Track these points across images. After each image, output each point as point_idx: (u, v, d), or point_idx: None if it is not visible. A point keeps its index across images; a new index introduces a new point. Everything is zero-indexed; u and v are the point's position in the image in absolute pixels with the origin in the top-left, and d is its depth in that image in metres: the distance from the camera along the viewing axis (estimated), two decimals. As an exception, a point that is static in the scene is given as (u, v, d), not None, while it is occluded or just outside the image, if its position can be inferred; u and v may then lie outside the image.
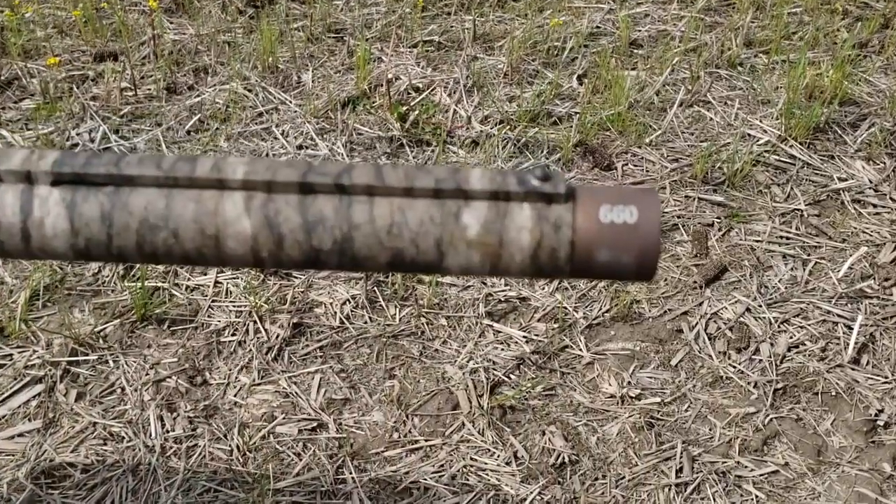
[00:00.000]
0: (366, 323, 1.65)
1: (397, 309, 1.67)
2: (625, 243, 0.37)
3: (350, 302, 1.68)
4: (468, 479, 1.39)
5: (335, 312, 1.66)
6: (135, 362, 1.56)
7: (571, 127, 2.03)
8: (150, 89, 2.16)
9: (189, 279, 1.72)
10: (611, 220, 0.37)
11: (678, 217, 1.86)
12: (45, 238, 0.38)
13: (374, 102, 2.10)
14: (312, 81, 2.18)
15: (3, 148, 0.39)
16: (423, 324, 1.64)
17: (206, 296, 1.69)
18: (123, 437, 1.43)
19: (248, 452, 1.42)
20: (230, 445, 1.43)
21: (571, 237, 0.37)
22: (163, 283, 1.70)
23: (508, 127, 2.03)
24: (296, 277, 1.73)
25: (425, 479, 1.39)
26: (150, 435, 1.44)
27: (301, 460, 1.41)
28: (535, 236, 0.38)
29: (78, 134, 2.05)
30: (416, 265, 0.38)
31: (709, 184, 1.94)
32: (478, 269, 0.38)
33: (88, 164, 0.38)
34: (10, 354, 1.57)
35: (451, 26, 2.38)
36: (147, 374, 1.54)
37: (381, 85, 2.10)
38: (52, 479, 1.38)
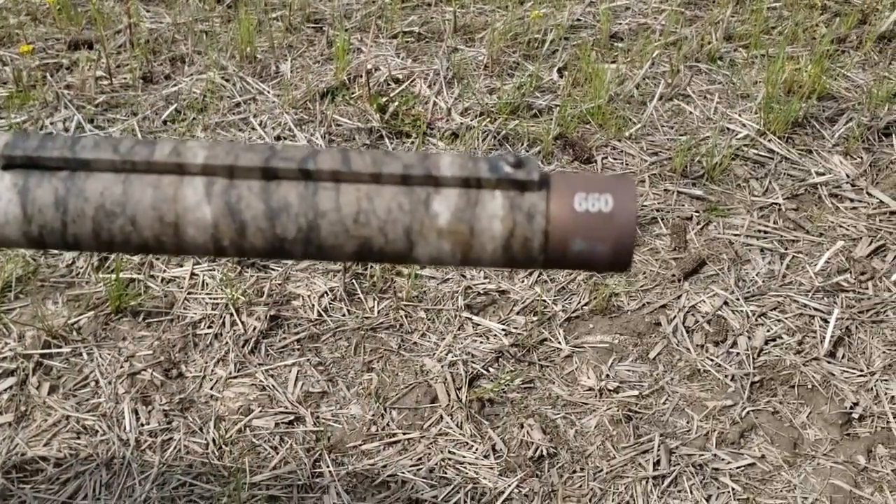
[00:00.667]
0: (344, 316, 1.64)
1: (376, 301, 1.66)
2: (600, 233, 0.36)
3: (328, 294, 1.67)
4: (446, 473, 1.39)
5: (313, 305, 1.65)
6: (109, 355, 1.54)
7: (552, 120, 2.02)
8: (125, 78, 2.12)
9: (165, 271, 1.70)
10: (585, 209, 0.36)
11: (657, 210, 1.87)
12: None
13: (353, 93, 2.08)
14: (291, 72, 2.16)
15: None
16: (401, 316, 1.63)
17: (182, 288, 1.67)
18: (97, 431, 1.42)
19: (224, 446, 1.40)
20: (206, 439, 1.41)
21: (545, 227, 0.37)
22: (138, 274, 1.68)
23: (489, 119, 2.02)
24: (273, 269, 1.72)
25: (403, 473, 1.38)
26: (125, 428, 1.42)
27: (278, 454, 1.40)
28: (507, 225, 0.37)
29: (52, 123, 2.02)
30: (385, 255, 0.37)
31: (688, 177, 1.94)
32: (448, 258, 0.37)
33: (42, 148, 0.36)
34: (-18, 347, 1.54)
35: (432, 17, 2.37)
36: (121, 367, 1.52)
37: (361, 76, 2.08)
38: (24, 474, 1.36)
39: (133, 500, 1.32)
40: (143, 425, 1.43)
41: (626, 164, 1.97)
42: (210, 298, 1.65)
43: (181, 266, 1.71)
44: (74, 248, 0.37)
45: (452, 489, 1.36)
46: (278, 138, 1.98)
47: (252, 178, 0.37)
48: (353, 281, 1.69)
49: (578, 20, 2.39)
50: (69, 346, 1.56)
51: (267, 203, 0.36)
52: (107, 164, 0.36)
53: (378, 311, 1.65)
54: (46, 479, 1.35)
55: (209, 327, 1.60)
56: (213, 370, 1.53)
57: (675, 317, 1.64)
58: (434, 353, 1.57)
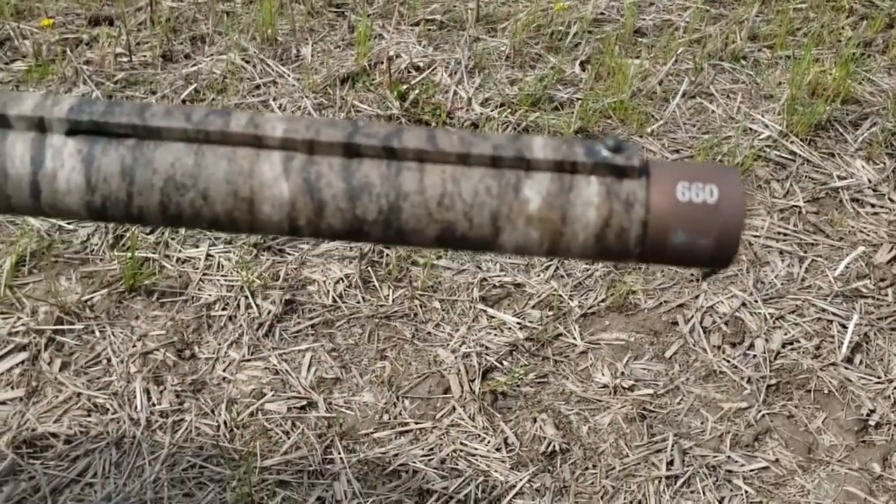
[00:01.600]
0: (358, 303, 1.63)
1: (391, 290, 1.65)
2: (703, 225, 0.34)
3: (343, 281, 1.66)
4: (458, 464, 1.38)
5: (328, 291, 1.64)
6: (122, 333, 1.53)
7: (573, 113, 2.00)
8: (145, 56, 2.11)
9: (180, 251, 1.69)
10: (689, 199, 0.34)
11: (677, 209, 1.85)
12: (56, 194, 0.34)
13: (373, 80, 2.07)
14: (312, 56, 2.14)
15: (14, 92, 0.36)
16: (416, 306, 1.62)
17: (198, 269, 1.66)
18: (108, 409, 1.41)
19: (235, 429, 1.39)
20: (217, 421, 1.40)
21: (644, 216, 0.34)
22: (153, 253, 1.67)
23: (509, 110, 2.00)
24: (289, 254, 1.71)
25: (414, 463, 1.37)
26: (136, 408, 1.41)
27: (289, 439, 1.39)
28: (602, 214, 0.34)
29: (70, 98, 2.00)
30: (468, 241, 0.35)
31: (709, 176, 1.92)
32: (535, 248, 0.35)
33: (109, 113, 0.34)
34: (-6, 320, 1.53)
35: (454, 6, 2.35)
36: (134, 346, 1.51)
37: (382, 62, 2.06)
38: (35, 449, 1.35)
39: (143, 480, 1.31)
40: (154, 405, 1.42)
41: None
42: (225, 280, 1.64)
43: (196, 247, 1.70)
44: (138, 221, 0.35)
45: (464, 481, 1.35)
46: (297, 122, 1.97)
47: (333, 155, 0.34)
48: (369, 268, 1.68)
49: (602, 14, 2.37)
50: (82, 322, 1.55)
51: (348, 182, 0.34)
52: (178, 133, 0.34)
53: (393, 300, 1.63)
54: (56, 455, 1.35)
55: (223, 309, 1.59)
56: (226, 352, 1.52)
57: (692, 316, 1.62)
58: (448, 344, 1.56)
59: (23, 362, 1.48)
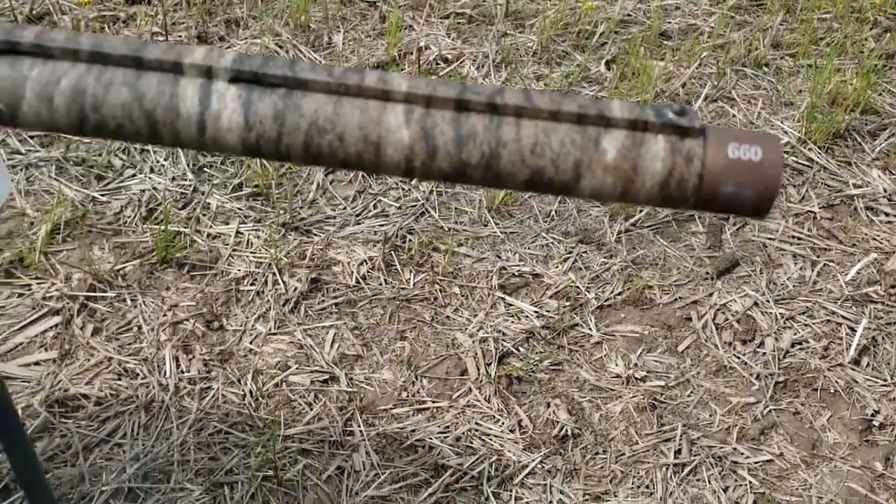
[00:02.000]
0: (381, 285, 1.68)
1: (412, 274, 1.70)
2: (749, 180, 0.40)
3: (367, 263, 1.71)
4: (472, 443, 1.42)
5: (352, 272, 1.69)
6: (153, 303, 1.59)
7: (596, 111, 2.04)
8: (180, 36, 2.16)
9: (211, 227, 1.74)
10: (738, 157, 0.40)
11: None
12: (219, 131, 0.41)
13: (402, 69, 2.11)
14: (343, 44, 2.19)
15: (185, 45, 0.42)
16: (436, 290, 1.67)
17: (227, 244, 1.71)
18: (138, 374, 1.46)
19: (260, 398, 1.45)
20: (243, 390, 1.46)
21: (701, 169, 0.40)
22: (185, 228, 1.73)
23: (534, 105, 2.05)
24: (315, 235, 1.76)
25: (431, 439, 1.42)
26: (165, 374, 1.46)
27: (312, 410, 1.44)
28: (667, 166, 0.40)
29: (107, 74, 2.06)
30: (553, 185, 0.41)
31: (727, 179, 1.96)
32: (609, 192, 0.41)
33: (265, 66, 0.41)
34: (29, 285, 1.59)
35: (484, 1, 2.39)
36: (164, 316, 1.57)
37: (411, 53, 2.11)
38: (66, 409, 1.41)
39: (170, 443, 1.36)
40: (182, 372, 1.47)
41: (667, 161, 2.00)
42: (254, 257, 1.69)
43: (227, 224, 1.76)
44: (284, 158, 0.41)
45: (478, 459, 1.40)
46: (327, 107, 2.02)
47: (446, 109, 0.41)
48: (392, 252, 1.73)
49: (629, 15, 2.41)
50: (114, 291, 1.60)
51: (457, 131, 0.40)
52: (322, 85, 0.41)
53: (414, 284, 1.68)
54: (87, 415, 1.40)
55: (252, 284, 1.64)
56: (253, 325, 1.57)
57: (705, 313, 1.67)
58: (466, 329, 1.61)
59: (56, 326, 1.53)
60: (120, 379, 1.46)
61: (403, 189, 1.88)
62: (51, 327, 1.53)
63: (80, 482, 1.29)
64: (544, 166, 0.41)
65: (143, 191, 1.81)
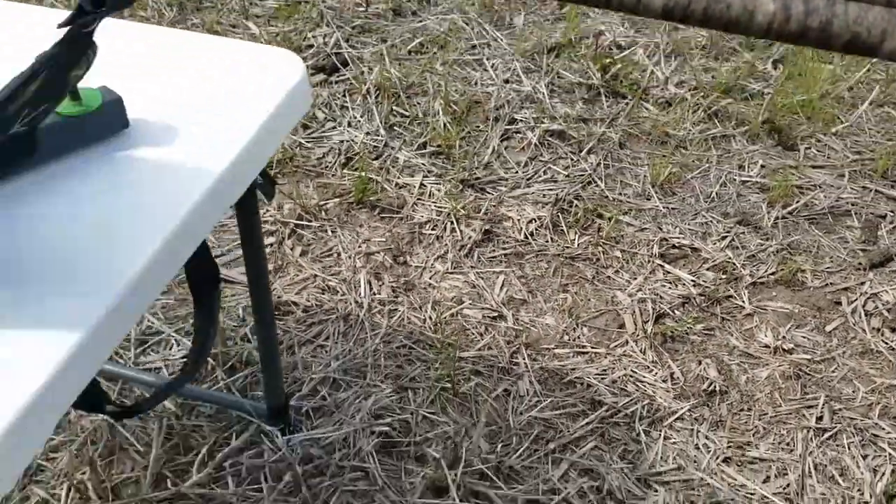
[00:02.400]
0: (547, 242, 1.84)
1: (577, 235, 1.86)
2: None
3: (535, 221, 1.88)
4: (626, 386, 1.57)
5: (521, 228, 1.86)
6: (349, 235, 1.81)
7: (761, 105, 2.14)
8: (378, 8, 2.40)
9: (399, 177, 1.96)
10: None
11: (852, 204, 1.96)
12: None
13: (578, 52, 2.27)
14: (524, 25, 2.37)
15: None
16: (599, 252, 1.82)
17: (413, 194, 1.92)
18: (338, 291, 1.69)
19: (439, 324, 1.64)
20: (425, 316, 1.66)
21: None
22: (377, 176, 1.95)
23: (702, 94, 2.16)
24: (490, 192, 1.94)
25: (588, 378, 1.58)
26: (360, 294, 1.68)
27: (483, 339, 1.62)
28: None
29: (314, 36, 2.32)
30: (864, 46, 0.58)
31: (888, 179, 2.02)
32: None
33: None
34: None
35: (657, -4, 2.52)
36: (359, 247, 1.79)
37: (588, 37, 2.26)
38: (279, 312, 1.64)
39: (364, 349, 1.58)
40: (374, 295, 1.69)
41: (828, 157, 2.07)
42: (435, 206, 1.89)
43: (412, 176, 1.97)
44: (687, 21, 0.59)
45: (631, 400, 1.55)
46: (507, 82, 2.20)
47: None
48: (559, 214, 1.89)
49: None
50: (318, 222, 1.84)
51: (806, 4, 0.59)
52: None
53: (578, 244, 1.84)
54: (296, 319, 1.64)
55: (433, 229, 1.84)
56: (433, 264, 1.77)
57: (855, 300, 1.75)
58: (625, 289, 1.75)
59: (271, 244, 1.78)
60: (323, 293, 1.69)
61: (572, 159, 2.04)
62: (267, 245, 1.78)
63: (293, 369, 1.52)
64: (860, 32, 0.57)
65: (342, 141, 2.05)
